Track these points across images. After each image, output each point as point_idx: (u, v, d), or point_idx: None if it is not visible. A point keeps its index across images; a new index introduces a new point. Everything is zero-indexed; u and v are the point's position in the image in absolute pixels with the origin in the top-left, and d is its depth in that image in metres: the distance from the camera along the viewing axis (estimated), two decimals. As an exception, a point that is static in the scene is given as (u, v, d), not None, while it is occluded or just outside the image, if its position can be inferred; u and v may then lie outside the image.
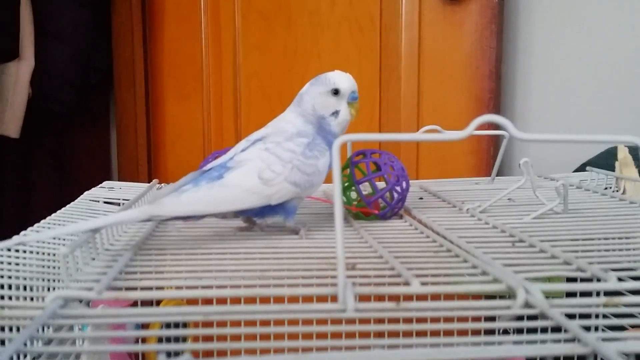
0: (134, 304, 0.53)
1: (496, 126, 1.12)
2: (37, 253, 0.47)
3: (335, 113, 0.57)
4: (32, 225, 1.37)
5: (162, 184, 0.76)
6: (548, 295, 0.36)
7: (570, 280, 0.44)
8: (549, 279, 0.45)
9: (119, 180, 1.52)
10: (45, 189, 1.52)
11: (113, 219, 0.47)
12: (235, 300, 0.39)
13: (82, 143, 1.55)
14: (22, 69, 1.31)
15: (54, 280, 0.43)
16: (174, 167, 1.50)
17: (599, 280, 0.39)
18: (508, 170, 1.23)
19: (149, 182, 1.46)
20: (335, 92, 0.56)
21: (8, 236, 1.26)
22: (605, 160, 0.81)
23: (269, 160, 0.52)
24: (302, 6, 1.32)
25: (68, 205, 0.64)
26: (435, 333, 0.36)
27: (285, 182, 0.52)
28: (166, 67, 1.46)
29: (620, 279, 0.38)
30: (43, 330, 0.31)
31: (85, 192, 0.70)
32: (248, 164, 0.52)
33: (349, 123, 0.58)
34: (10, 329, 0.34)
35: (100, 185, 0.75)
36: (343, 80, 0.57)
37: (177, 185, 0.51)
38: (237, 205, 0.51)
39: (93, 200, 0.68)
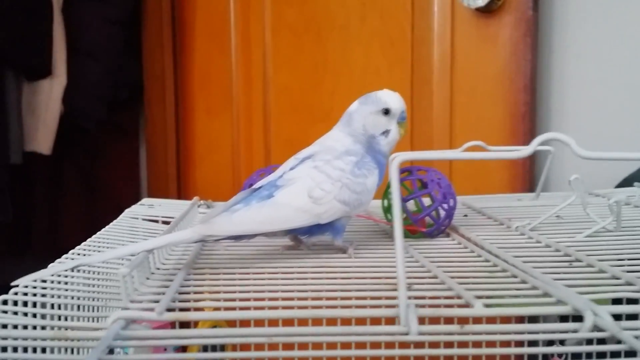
0: (172, 324, 0.53)
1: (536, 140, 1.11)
2: (88, 272, 0.47)
3: (386, 132, 0.56)
4: (64, 240, 1.38)
5: (203, 201, 0.76)
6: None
7: (632, 301, 0.43)
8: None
9: (148, 196, 1.54)
10: (76, 204, 1.54)
11: (167, 239, 0.47)
12: (289, 322, 0.38)
13: (112, 158, 1.56)
14: (55, 86, 1.33)
15: (108, 300, 0.43)
16: (203, 182, 1.51)
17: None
18: (547, 185, 1.21)
19: (178, 197, 1.48)
20: (386, 111, 0.56)
21: (40, 250, 1.27)
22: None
23: (318, 178, 0.52)
24: (332, 21, 1.32)
25: (111, 224, 0.64)
26: (504, 358, 0.35)
27: (335, 201, 0.52)
28: (196, 82, 1.47)
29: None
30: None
31: (126, 210, 0.70)
32: (298, 182, 0.52)
33: (397, 142, 0.57)
34: (72, 351, 0.34)
35: (139, 202, 0.75)
36: (394, 100, 0.57)
37: (228, 205, 0.51)
38: (288, 224, 0.50)
39: (133, 218, 0.68)
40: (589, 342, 0.34)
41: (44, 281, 0.43)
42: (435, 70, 1.26)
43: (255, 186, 0.53)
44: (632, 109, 1.16)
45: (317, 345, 0.37)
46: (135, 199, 1.58)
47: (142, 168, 1.59)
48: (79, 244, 0.56)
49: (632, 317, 0.39)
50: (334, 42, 1.33)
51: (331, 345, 0.35)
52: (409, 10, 1.27)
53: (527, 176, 1.16)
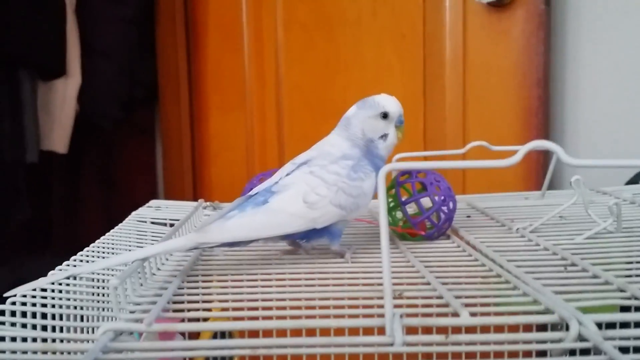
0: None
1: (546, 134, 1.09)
2: (87, 279, 0.47)
3: (384, 136, 0.57)
4: (81, 237, 1.39)
5: (208, 203, 0.77)
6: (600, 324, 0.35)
7: (625, 309, 0.43)
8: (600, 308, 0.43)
9: (164, 193, 1.56)
10: (92, 202, 1.56)
11: (161, 248, 0.48)
12: (282, 332, 0.39)
13: (128, 157, 1.58)
14: (69, 85, 1.35)
15: (104, 309, 0.44)
16: (218, 179, 1.52)
17: (657, 311, 0.38)
18: (558, 183, 1.19)
19: (193, 195, 1.50)
20: (384, 115, 0.56)
21: (59, 247, 1.29)
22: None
23: (313, 183, 0.52)
24: (343, 17, 1.32)
25: (117, 227, 0.65)
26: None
27: (330, 205, 0.52)
28: (210, 81, 1.48)
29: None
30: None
31: (133, 213, 0.71)
32: (293, 187, 0.52)
33: (394, 146, 0.57)
34: (63, 363, 0.35)
35: (147, 204, 0.76)
36: (392, 104, 0.57)
37: (223, 212, 0.51)
38: (283, 229, 0.51)
39: (141, 221, 0.69)
40: (572, 352, 0.34)
41: (44, 290, 0.44)
42: (447, 65, 1.25)
43: (251, 193, 0.53)
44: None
45: (311, 357, 0.37)
46: (152, 196, 1.60)
47: (158, 165, 1.61)
48: (95, 242, 0.57)
49: (625, 325, 0.39)
50: (346, 38, 1.32)
51: (312, 357, 0.35)
52: (420, 5, 1.26)
53: (542, 171, 1.15)
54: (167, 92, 1.50)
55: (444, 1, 1.23)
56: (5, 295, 0.41)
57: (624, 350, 0.34)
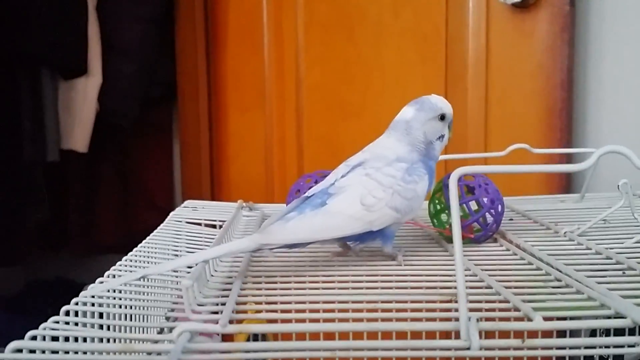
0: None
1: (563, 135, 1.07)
2: (142, 281, 0.47)
3: (441, 137, 0.57)
4: (99, 236, 1.38)
5: (246, 203, 0.77)
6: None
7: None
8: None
9: (182, 193, 1.56)
10: (110, 201, 1.56)
11: (226, 249, 0.48)
12: (344, 335, 0.39)
13: (146, 156, 1.58)
14: (90, 84, 1.35)
15: (169, 311, 0.44)
16: (237, 180, 1.52)
17: None
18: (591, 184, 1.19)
19: (211, 195, 1.50)
20: (442, 117, 0.57)
21: (76, 246, 1.29)
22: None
23: (370, 185, 0.53)
24: (364, 17, 1.32)
25: (158, 228, 0.65)
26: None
27: (387, 208, 0.52)
28: (229, 81, 1.48)
29: None
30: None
31: (171, 213, 0.71)
32: (350, 189, 0.52)
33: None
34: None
35: (183, 205, 0.76)
36: (446, 104, 0.58)
37: (282, 213, 0.51)
38: (341, 231, 0.51)
39: (178, 221, 0.69)
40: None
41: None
42: (469, 66, 1.25)
43: (308, 194, 0.54)
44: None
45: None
46: (169, 196, 1.60)
47: (176, 165, 1.61)
48: (114, 241, 0.57)
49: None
50: (366, 39, 1.32)
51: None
52: (443, 6, 1.26)
53: (564, 175, 1.15)
54: (186, 91, 1.50)
55: (467, 2, 1.23)
56: (79, 296, 0.41)
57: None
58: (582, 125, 1.22)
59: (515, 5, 1.17)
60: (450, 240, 0.60)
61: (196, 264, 0.45)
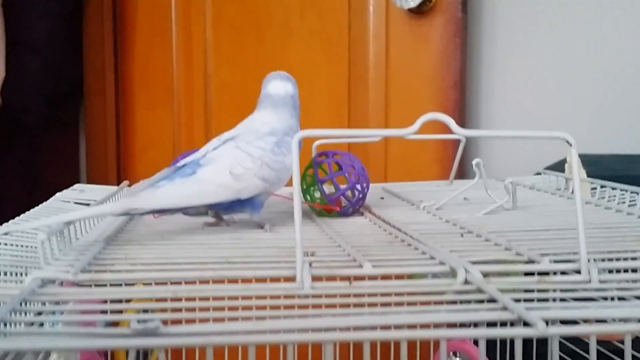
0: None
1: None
2: (10, 245, 0.49)
3: None
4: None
5: (133, 185, 0.78)
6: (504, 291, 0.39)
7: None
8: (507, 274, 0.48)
9: (89, 190, 1.54)
10: (15, 198, 1.52)
11: (91, 211, 0.50)
12: (203, 283, 0.42)
13: (51, 152, 1.56)
14: (-7, 79, 1.32)
15: (30, 268, 0.45)
16: (144, 176, 1.49)
17: (533, 262, 0.43)
18: (472, 176, 1.27)
19: (119, 190, 1.49)
20: None
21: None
22: (563, 166, 0.86)
23: (239, 157, 0.56)
24: (272, 18, 1.36)
25: (40, 205, 0.66)
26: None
27: (255, 178, 0.56)
28: (137, 77, 1.48)
29: (553, 262, 0.42)
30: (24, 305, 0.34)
31: (57, 194, 0.72)
32: (219, 160, 0.56)
33: None
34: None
35: (71, 187, 0.77)
36: None
37: (152, 181, 0.54)
38: (210, 199, 0.54)
39: (64, 201, 0.70)
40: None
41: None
42: (371, 68, 1.31)
43: (179, 165, 0.56)
44: (556, 108, 1.23)
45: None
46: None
47: (82, 162, 1.59)
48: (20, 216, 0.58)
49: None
50: (274, 40, 1.36)
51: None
52: (346, 10, 1.31)
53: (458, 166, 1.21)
54: (93, 88, 1.50)
55: (368, 6, 1.28)
56: None
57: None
58: (476, 125, 1.30)
59: (412, 11, 1.24)
60: (319, 213, 0.64)
61: (58, 224, 0.46)
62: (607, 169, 1.01)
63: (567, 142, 0.43)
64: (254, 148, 0.57)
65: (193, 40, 1.42)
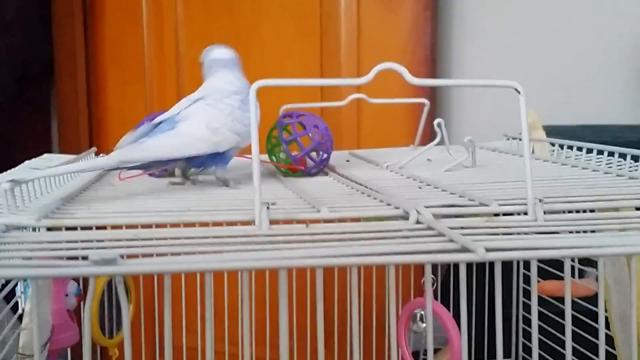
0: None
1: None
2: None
3: None
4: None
5: (101, 154, 0.79)
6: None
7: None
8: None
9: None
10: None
11: (83, 165, 0.53)
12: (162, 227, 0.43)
13: (22, 133, 1.55)
14: (-39, 58, 1.31)
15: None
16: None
17: (484, 205, 0.45)
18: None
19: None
20: None
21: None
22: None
23: (212, 113, 0.59)
24: (244, -6, 1.36)
25: (8, 171, 0.66)
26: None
27: (229, 132, 0.59)
28: (108, 55, 1.47)
29: (501, 205, 0.45)
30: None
31: (25, 162, 0.72)
32: (195, 116, 0.59)
33: None
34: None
35: (40, 157, 0.77)
36: None
37: (134, 137, 0.57)
38: (193, 150, 0.57)
39: (33, 169, 0.71)
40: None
41: None
42: (342, 43, 1.31)
43: (155, 122, 0.58)
44: (527, 82, 1.25)
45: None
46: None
47: (54, 142, 1.59)
48: None
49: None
50: (246, 15, 1.36)
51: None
52: (317, -17, 1.32)
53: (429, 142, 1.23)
54: (64, 67, 1.48)
55: (338, -20, 1.29)
56: None
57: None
58: (447, 98, 1.32)
59: (382, -16, 1.25)
60: (285, 174, 0.65)
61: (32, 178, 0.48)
62: (574, 137, 1.03)
63: (516, 90, 0.44)
64: (224, 105, 0.60)
65: (164, 17, 1.41)
